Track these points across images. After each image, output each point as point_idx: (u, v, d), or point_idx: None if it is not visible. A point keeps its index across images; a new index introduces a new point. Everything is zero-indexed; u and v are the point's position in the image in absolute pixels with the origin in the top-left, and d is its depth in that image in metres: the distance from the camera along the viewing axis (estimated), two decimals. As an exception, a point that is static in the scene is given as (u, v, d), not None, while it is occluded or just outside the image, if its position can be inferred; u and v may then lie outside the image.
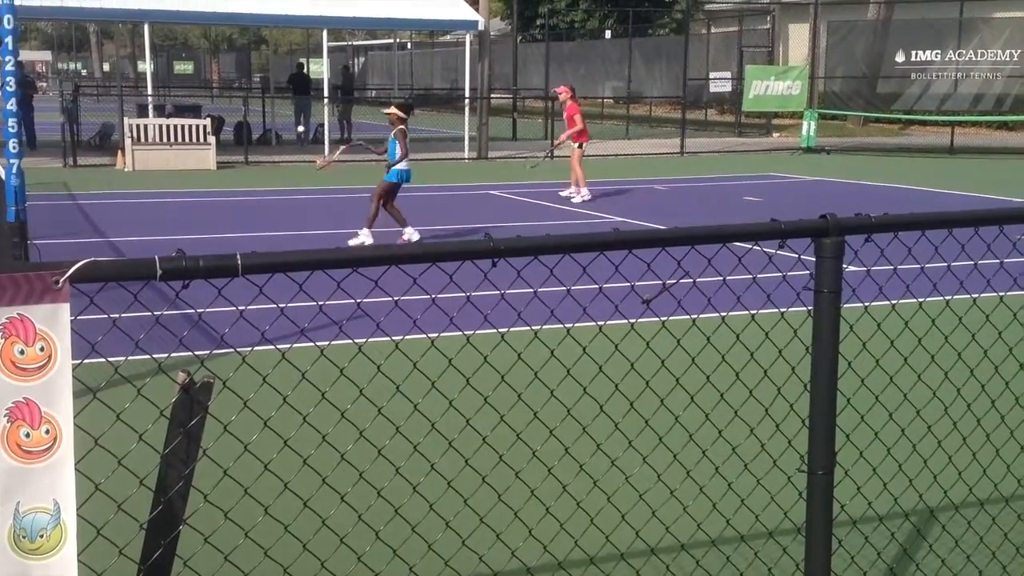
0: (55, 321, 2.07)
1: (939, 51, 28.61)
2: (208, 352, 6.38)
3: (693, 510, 4.11)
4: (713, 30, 38.93)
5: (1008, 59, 27.87)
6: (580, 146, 17.43)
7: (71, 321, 2.09)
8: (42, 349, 2.07)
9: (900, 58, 29.25)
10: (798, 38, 36.81)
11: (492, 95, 29.85)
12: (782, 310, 3.32)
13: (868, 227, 2.93)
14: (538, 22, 46.29)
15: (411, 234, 12.46)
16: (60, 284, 2.07)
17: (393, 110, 12.75)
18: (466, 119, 26.20)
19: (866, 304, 3.41)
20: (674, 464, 4.01)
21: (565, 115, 17.81)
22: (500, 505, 3.49)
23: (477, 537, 3.61)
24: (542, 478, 3.56)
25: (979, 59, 28.26)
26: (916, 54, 28.94)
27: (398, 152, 12.39)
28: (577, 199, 17.19)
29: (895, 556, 4.35)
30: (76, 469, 2.14)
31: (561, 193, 17.73)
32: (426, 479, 3.60)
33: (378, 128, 32.39)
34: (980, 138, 29.91)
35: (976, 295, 3.70)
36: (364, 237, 12.20)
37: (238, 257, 2.25)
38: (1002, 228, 3.24)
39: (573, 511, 3.87)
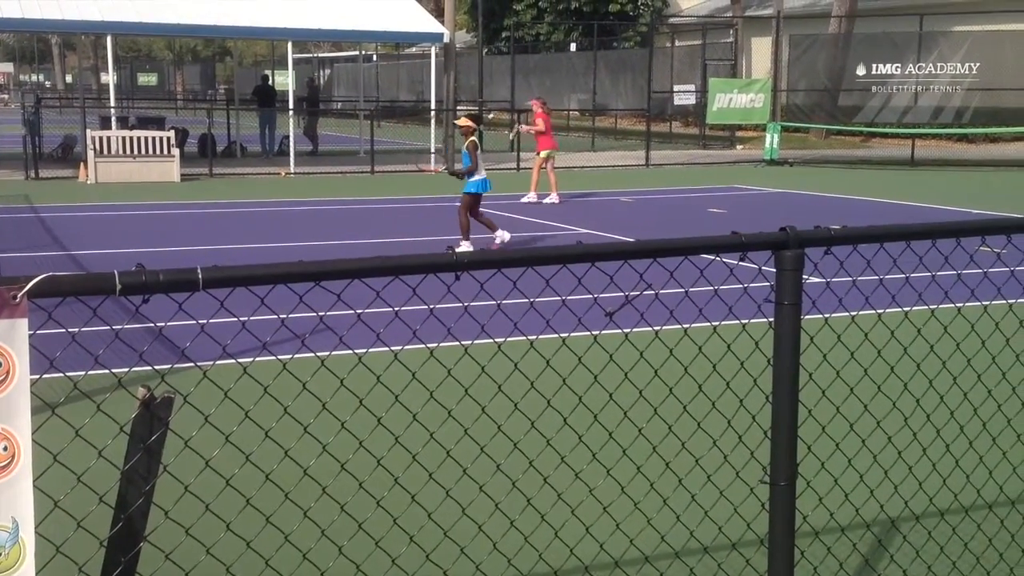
0: (13, 336, 2.05)
1: (899, 64, 28.95)
2: (169, 367, 6.32)
3: (657, 522, 4.12)
4: (677, 43, 39.13)
5: (967, 72, 28.23)
6: (541, 153, 18.52)
7: (29, 336, 2.08)
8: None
9: (861, 71, 29.56)
10: (761, 51, 37.13)
11: (458, 107, 29.87)
12: (744, 322, 3.34)
13: (827, 239, 2.96)
14: (503, 35, 46.33)
15: (502, 236, 12.61)
16: (18, 299, 2.05)
17: (465, 121, 12.50)
18: (432, 131, 26.19)
19: (826, 316, 3.44)
20: (638, 476, 4.02)
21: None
22: (464, 519, 3.49)
23: (441, 551, 3.60)
24: (506, 491, 3.56)
25: (939, 72, 28.61)
26: (877, 67, 29.27)
27: (471, 164, 12.37)
28: (526, 199, 18.26)
29: (857, 567, 4.38)
30: (35, 486, 2.12)
31: (544, 201, 18.44)
32: (389, 493, 3.59)
33: (344, 140, 32.35)
34: (940, 150, 30.22)
35: (934, 306, 3.75)
36: (466, 247, 12.29)
37: (199, 271, 2.24)
38: (959, 241, 3.28)
39: (537, 524, 3.87)
